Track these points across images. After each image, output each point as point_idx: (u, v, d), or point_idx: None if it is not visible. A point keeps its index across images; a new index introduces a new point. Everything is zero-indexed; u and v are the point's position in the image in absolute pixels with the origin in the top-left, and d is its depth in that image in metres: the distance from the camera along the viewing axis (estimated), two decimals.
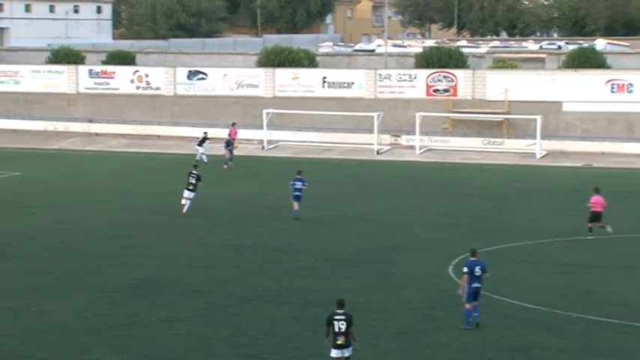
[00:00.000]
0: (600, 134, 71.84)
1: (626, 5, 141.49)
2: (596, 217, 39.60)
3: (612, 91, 72.47)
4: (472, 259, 27.28)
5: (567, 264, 35.20)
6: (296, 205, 43.25)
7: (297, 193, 43.31)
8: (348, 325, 22.17)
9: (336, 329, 22.16)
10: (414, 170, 61.65)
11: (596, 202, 39.78)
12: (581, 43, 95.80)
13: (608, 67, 77.48)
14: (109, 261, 35.48)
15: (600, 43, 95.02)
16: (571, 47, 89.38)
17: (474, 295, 26.91)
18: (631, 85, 72.28)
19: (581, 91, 73.01)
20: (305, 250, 37.41)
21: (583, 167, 62.51)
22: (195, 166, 46.31)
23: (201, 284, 31.97)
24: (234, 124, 65.92)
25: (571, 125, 73.26)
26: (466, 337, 26.20)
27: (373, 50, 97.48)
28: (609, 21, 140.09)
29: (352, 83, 76.37)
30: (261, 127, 70.72)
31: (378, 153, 68.40)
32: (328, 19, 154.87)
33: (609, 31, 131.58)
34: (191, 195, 44.38)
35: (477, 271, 26.94)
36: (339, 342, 22.16)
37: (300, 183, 43.38)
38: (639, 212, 45.85)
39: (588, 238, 39.52)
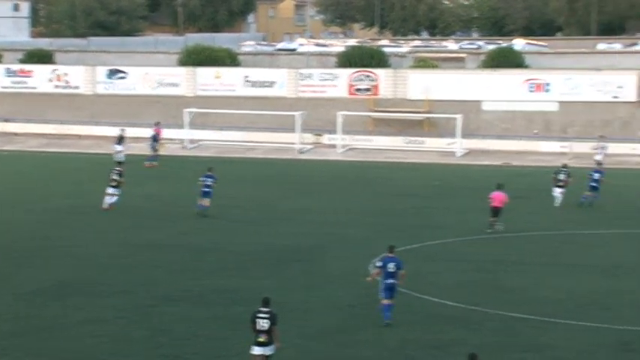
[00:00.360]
0: (519, 133, 72.87)
1: (544, 6, 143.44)
2: (495, 212, 40.37)
3: (530, 91, 73.58)
4: (389, 255, 27.57)
5: (485, 261, 35.71)
6: (205, 201, 43.61)
7: (206, 189, 43.73)
8: (272, 324, 22.35)
9: (259, 327, 22.35)
10: (336, 169, 61.95)
11: (495, 197, 40.50)
12: (500, 43, 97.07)
13: (527, 67, 78.74)
14: (29, 262, 35.11)
15: (519, 43, 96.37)
16: (490, 47, 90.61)
17: (388, 291, 27.13)
18: (548, 84, 73.48)
19: (500, 90, 74.03)
20: (228, 249, 37.41)
21: (502, 165, 63.35)
22: (119, 163, 46.00)
23: (123, 284, 31.82)
24: (157, 123, 65.58)
25: (490, 124, 74.18)
26: (387, 335, 26.48)
27: (295, 49, 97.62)
28: (527, 21, 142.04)
29: (274, 82, 76.46)
30: (182, 127, 70.46)
31: (300, 152, 68.59)
32: (250, 18, 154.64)
33: (527, 31, 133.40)
34: (115, 191, 44.33)
35: (391, 267, 27.17)
36: (260, 340, 22.35)
37: (211, 179, 43.74)
38: (548, 209, 46.49)
39: (487, 231, 40.26)
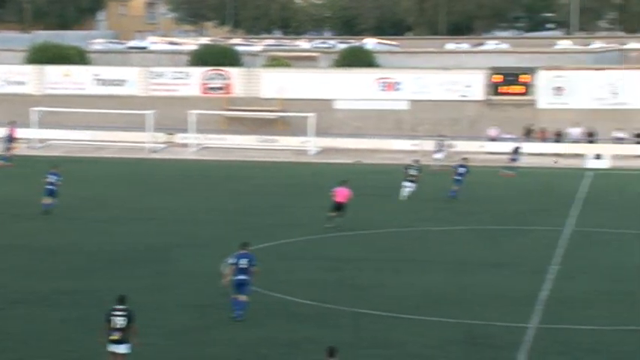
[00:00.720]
0: (371, 131, 73.72)
1: (394, 6, 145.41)
2: (337, 207, 40.92)
3: (381, 90, 74.59)
4: (242, 251, 27.58)
5: (338, 259, 35.94)
6: (48, 200, 43.03)
7: (50, 187, 43.33)
8: (129, 321, 22.20)
9: (114, 325, 22.16)
10: (189, 168, 61.59)
11: (339, 192, 41.11)
12: (351, 42, 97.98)
13: (378, 66, 79.69)
14: None
15: (370, 43, 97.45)
16: (342, 46, 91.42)
17: (238, 287, 27.16)
18: (399, 83, 74.59)
19: (352, 89, 74.81)
20: (77, 250, 36.72)
21: (354, 163, 63.97)
22: None
23: None
24: (12, 122, 63.86)
25: (343, 123, 74.92)
26: (240, 334, 26.38)
27: (147, 47, 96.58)
28: (378, 21, 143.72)
29: (125, 81, 75.67)
30: (30, 126, 68.88)
31: (152, 151, 67.90)
32: (100, 15, 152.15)
33: (379, 31, 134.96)
34: None
35: (243, 263, 27.17)
36: (114, 337, 22.15)
37: (55, 177, 43.24)
38: (403, 206, 47.23)
39: (326, 225, 40.71)
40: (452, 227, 42.35)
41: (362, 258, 36.28)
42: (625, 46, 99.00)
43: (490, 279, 32.91)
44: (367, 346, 25.59)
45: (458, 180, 49.15)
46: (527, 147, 68.22)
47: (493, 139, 71.17)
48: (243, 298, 27.26)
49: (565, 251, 37.19)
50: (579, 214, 45.64)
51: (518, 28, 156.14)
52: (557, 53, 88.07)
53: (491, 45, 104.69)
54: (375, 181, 54.68)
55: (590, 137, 70.03)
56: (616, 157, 65.81)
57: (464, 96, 74.28)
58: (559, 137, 70.82)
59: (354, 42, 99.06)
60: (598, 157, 64.88)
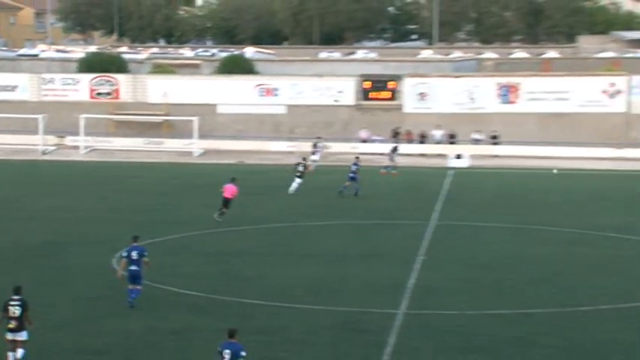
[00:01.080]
0: (251, 134, 73.90)
1: (272, 17, 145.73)
2: (225, 202, 41.56)
3: (261, 95, 74.80)
4: (133, 244, 27.91)
5: (223, 252, 35.91)
6: None
7: None
8: (23, 310, 22.37)
9: (10, 314, 22.34)
10: (79, 169, 60.72)
11: (227, 189, 41.71)
12: (232, 51, 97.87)
13: (257, 73, 79.90)
14: None
15: (249, 51, 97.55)
16: (223, 54, 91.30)
17: (131, 277, 27.49)
18: (277, 89, 74.90)
19: (234, 94, 74.85)
20: None
21: (237, 164, 63.93)
22: None
23: None
24: None
25: (225, 126, 74.87)
26: (129, 325, 26.16)
27: (37, 55, 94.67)
28: (257, 31, 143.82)
29: (16, 87, 74.22)
30: None
31: (44, 153, 66.75)
32: None
33: (257, 40, 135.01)
34: None
35: (135, 255, 27.51)
36: (11, 326, 22.32)
37: None
38: (281, 203, 47.48)
39: (215, 216, 41.37)
40: (329, 222, 42.71)
41: (246, 251, 36.33)
42: (481, 56, 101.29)
43: (363, 269, 33.30)
44: (251, 333, 25.62)
45: (352, 177, 49.78)
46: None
47: (364, 141, 72.04)
48: (132, 287, 27.51)
49: (430, 243, 37.86)
50: (442, 209, 46.52)
51: (385, 39, 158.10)
52: (421, 62, 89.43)
53: (361, 54, 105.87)
54: (256, 180, 54.77)
55: (452, 139, 71.41)
56: (474, 156, 67.24)
57: (337, 101, 74.93)
58: (423, 139, 72.05)
59: (235, 51, 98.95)
60: (458, 156, 66.17)
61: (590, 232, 40.63)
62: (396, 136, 72.13)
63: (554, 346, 24.70)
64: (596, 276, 32.45)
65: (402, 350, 24.27)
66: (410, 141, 72.04)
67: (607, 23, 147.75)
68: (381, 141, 71.04)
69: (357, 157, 52.54)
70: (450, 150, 68.48)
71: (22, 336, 22.36)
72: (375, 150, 67.68)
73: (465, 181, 57.17)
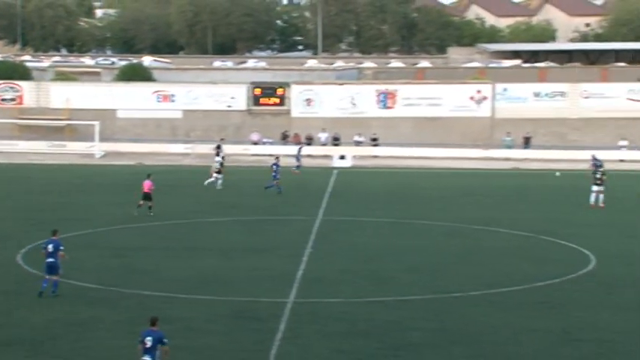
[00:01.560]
0: (150, 137, 73.04)
1: (168, 28, 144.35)
2: (145, 196, 42.19)
3: (158, 101, 74.00)
4: (51, 238, 27.84)
5: (122, 248, 35.32)
6: None
7: None
8: None
9: None
10: None
11: (145, 184, 42.61)
12: (131, 60, 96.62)
13: (155, 81, 79.05)
14: None
15: (147, 60, 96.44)
16: (123, 63, 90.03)
17: (48, 268, 27.37)
18: (173, 95, 74.23)
19: (133, 100, 73.94)
20: None
21: (136, 165, 63.05)
22: None
23: None
24: None
25: (125, 129, 73.93)
26: (34, 316, 25.48)
27: None
28: (154, 41, 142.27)
29: None
30: None
31: None
32: None
33: (155, 50, 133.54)
34: None
35: (50, 248, 27.47)
36: None
37: None
38: (179, 201, 46.96)
39: (135, 214, 41.29)
40: (223, 219, 42.40)
41: (145, 246, 35.80)
42: (361, 65, 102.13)
43: (255, 262, 33.13)
44: (142, 323, 25.10)
45: (274, 176, 49.84)
46: (284, 150, 69.36)
47: (255, 143, 71.88)
48: (49, 277, 27.33)
49: (316, 237, 37.91)
50: (327, 205, 46.66)
51: (273, 49, 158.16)
52: (307, 71, 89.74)
53: (251, 63, 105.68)
54: (154, 180, 53.90)
55: (336, 141, 71.76)
56: (356, 157, 67.70)
57: (229, 106, 74.56)
58: (310, 141, 72.19)
59: (133, 60, 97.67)
60: (342, 157, 66.49)
61: (460, 225, 41.25)
62: (284, 138, 72.21)
63: (429, 329, 24.97)
64: (467, 265, 32.95)
65: (291, 336, 24.21)
66: (298, 143, 72.11)
67: (473, 36, 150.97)
68: (271, 143, 71.03)
69: (277, 158, 52.39)
70: (334, 151, 68.79)
71: None
72: (265, 151, 67.74)
73: (348, 180, 57.49)
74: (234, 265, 32.57)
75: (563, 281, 30.30)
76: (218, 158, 60.69)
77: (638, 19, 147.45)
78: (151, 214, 41.60)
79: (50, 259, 27.40)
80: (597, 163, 50.03)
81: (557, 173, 59.93)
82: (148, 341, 19.32)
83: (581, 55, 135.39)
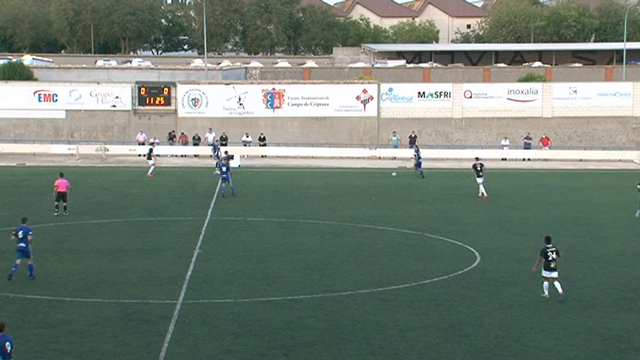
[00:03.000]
0: (32, 137, 71.41)
1: (48, 27, 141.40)
2: (61, 196, 41.82)
3: (39, 101, 72.36)
4: (22, 225, 30.23)
5: (4, 251, 34.23)
6: None
7: None
8: None
9: None
10: None
11: (60, 184, 41.76)
12: (10, 59, 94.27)
13: (36, 80, 77.31)
14: None
15: (27, 59, 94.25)
16: (2, 62, 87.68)
17: (20, 252, 29.78)
18: (56, 94, 72.68)
19: (13, 100, 72.17)
20: None
21: (17, 166, 61.52)
22: None
23: None
24: None
25: (4, 130, 72.10)
26: None
27: None
28: (34, 39, 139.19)
29: None
30: None
31: None
32: None
33: (35, 49, 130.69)
34: None
35: (20, 234, 29.82)
36: None
37: None
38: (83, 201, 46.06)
39: (55, 214, 41.19)
40: (109, 220, 41.71)
41: (46, 249, 34.75)
42: (248, 65, 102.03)
43: (142, 263, 32.70)
44: (34, 327, 24.69)
45: (225, 178, 49.31)
46: (171, 149, 68.80)
47: (141, 144, 70.94)
48: (28, 261, 29.81)
49: (205, 237, 37.68)
50: (216, 205, 46.42)
51: (158, 49, 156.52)
52: (193, 70, 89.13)
53: (136, 62, 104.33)
54: (37, 181, 52.78)
55: (223, 141, 71.43)
56: (244, 157, 67.59)
57: (114, 106, 73.42)
58: (197, 141, 71.71)
59: (13, 58, 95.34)
60: (230, 157, 66.17)
61: (349, 224, 41.61)
62: (172, 139, 71.56)
63: (319, 328, 25.09)
64: (356, 264, 33.24)
65: (181, 337, 23.99)
66: (185, 143, 71.58)
67: (358, 37, 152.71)
68: (158, 143, 70.24)
69: (227, 158, 51.73)
70: (222, 151, 68.43)
71: None
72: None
73: (236, 180, 57.29)
74: (120, 267, 32.06)
75: (450, 278, 30.88)
76: (152, 161, 59.20)
77: (517, 21, 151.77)
78: (58, 213, 41.19)
79: (21, 244, 29.64)
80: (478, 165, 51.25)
81: (394, 174, 60.49)
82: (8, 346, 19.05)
83: (463, 55, 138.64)
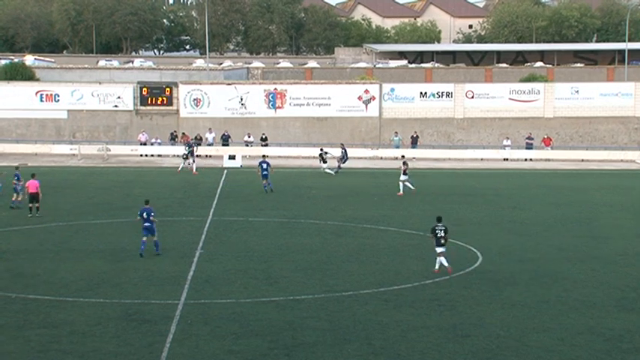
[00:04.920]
0: (33, 137, 71.43)
1: (50, 27, 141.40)
2: (33, 197, 41.55)
3: (41, 101, 72.34)
4: (144, 206, 33.82)
5: (5, 251, 34.42)
6: None
7: None
8: None
9: None
10: None
11: (30, 185, 41.60)
12: (12, 59, 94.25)
13: (37, 80, 77.31)
14: None
15: (29, 59, 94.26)
16: (3, 62, 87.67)
17: (145, 230, 33.61)
18: (58, 95, 72.68)
19: (15, 100, 72.15)
20: None
21: (19, 166, 61.42)
22: None
23: None
24: None
25: (6, 130, 72.06)
26: None
27: None
28: (36, 40, 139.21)
29: None
30: None
31: None
32: None
33: (37, 49, 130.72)
34: None
35: (145, 214, 33.41)
36: None
37: None
38: (64, 202, 46.02)
39: (29, 216, 40.95)
40: (111, 220, 41.70)
41: (29, 250, 34.92)
42: (250, 65, 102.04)
43: (144, 263, 32.69)
44: (36, 327, 24.72)
45: (265, 175, 50.79)
46: (173, 150, 68.81)
47: (143, 144, 70.98)
48: (153, 238, 33.51)
49: (207, 238, 37.70)
50: (217, 206, 46.43)
51: (160, 49, 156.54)
52: (195, 70, 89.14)
53: (138, 62, 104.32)
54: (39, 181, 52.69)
55: (225, 141, 71.44)
56: (246, 157, 67.60)
57: (116, 106, 73.43)
58: (199, 141, 71.68)
59: (15, 59, 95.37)
60: (232, 157, 66.28)
61: (350, 224, 41.61)
62: (174, 139, 71.56)
63: (321, 328, 25.10)
64: (357, 264, 33.24)
65: (183, 337, 24.02)
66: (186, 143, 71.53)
67: (360, 37, 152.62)
68: (159, 143, 70.29)
69: (264, 156, 53.11)
70: (224, 151, 68.54)
71: None
72: (154, 152, 67.07)
73: (238, 180, 57.36)
74: (123, 267, 32.07)
75: (452, 278, 30.88)
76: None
77: (519, 21, 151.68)
78: (38, 215, 41.17)
79: (146, 224, 33.32)
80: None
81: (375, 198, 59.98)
82: None
83: (465, 56, 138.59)
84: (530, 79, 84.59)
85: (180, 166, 59.71)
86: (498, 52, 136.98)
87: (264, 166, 51.11)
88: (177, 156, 64.88)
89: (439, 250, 31.45)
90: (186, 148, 60.93)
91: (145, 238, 33.50)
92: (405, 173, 51.50)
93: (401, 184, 51.43)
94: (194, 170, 58.81)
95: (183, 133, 72.05)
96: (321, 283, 30.18)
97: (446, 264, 31.24)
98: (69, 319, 25.54)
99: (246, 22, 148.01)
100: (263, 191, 51.38)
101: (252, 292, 28.91)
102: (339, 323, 25.56)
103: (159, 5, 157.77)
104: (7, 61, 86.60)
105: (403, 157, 55.10)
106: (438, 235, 31.42)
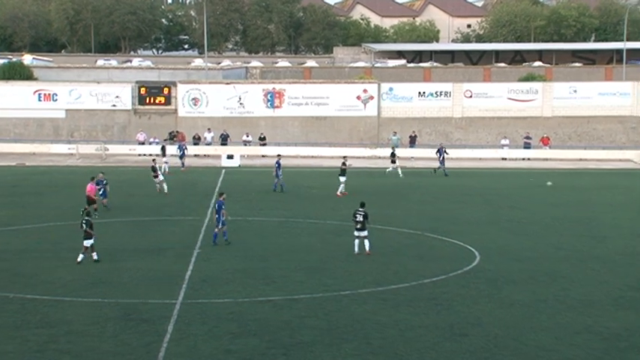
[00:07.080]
0: (31, 137, 71.43)
1: (48, 26, 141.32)
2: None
3: (39, 100, 72.37)
4: (219, 199, 36.01)
5: (4, 251, 34.42)
6: None
7: None
8: None
9: None
10: None
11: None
12: (10, 58, 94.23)
13: (36, 79, 77.34)
14: None
15: (27, 58, 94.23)
16: (2, 61, 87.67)
17: (217, 222, 35.73)
18: (56, 94, 72.70)
19: (13, 100, 72.16)
20: None
21: (17, 166, 61.56)
22: None
23: None
24: None
25: (4, 130, 72.05)
26: None
27: None
28: (34, 39, 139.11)
29: None
30: None
31: None
32: None
33: (35, 48, 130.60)
34: None
35: (216, 207, 35.80)
36: None
37: None
38: (61, 202, 45.98)
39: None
40: (109, 220, 41.66)
41: (27, 249, 34.91)
42: (248, 65, 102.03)
43: (143, 263, 32.70)
44: (33, 327, 24.69)
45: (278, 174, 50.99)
46: (171, 149, 68.68)
47: (142, 143, 70.98)
48: (224, 228, 35.71)
49: (205, 237, 37.66)
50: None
51: (158, 48, 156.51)
52: (193, 70, 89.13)
53: (136, 62, 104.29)
54: (36, 180, 52.75)
55: (223, 141, 71.47)
56: (244, 157, 67.61)
57: (114, 106, 73.43)
58: (197, 140, 71.73)
59: (13, 58, 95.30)
60: (230, 157, 66.31)
61: (349, 223, 41.51)
62: (172, 138, 71.54)
63: (319, 327, 25.08)
64: (355, 263, 33.23)
65: (180, 337, 23.99)
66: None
67: (359, 36, 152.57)
68: (157, 143, 70.33)
69: (279, 156, 53.10)
70: (222, 151, 68.56)
71: None
72: (152, 151, 66.98)
73: (236, 179, 57.37)
74: (120, 267, 32.06)
75: (449, 278, 30.88)
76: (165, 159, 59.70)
77: (517, 21, 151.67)
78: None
79: (217, 215, 35.52)
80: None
81: (549, 183, 57.19)
82: None
83: (464, 55, 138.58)
84: (529, 78, 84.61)
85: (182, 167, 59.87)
86: (497, 52, 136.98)
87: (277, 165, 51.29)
88: (176, 155, 64.80)
89: (360, 234, 33.94)
90: (178, 149, 60.88)
91: (216, 229, 35.85)
92: (344, 175, 50.77)
93: (342, 185, 50.66)
94: (166, 170, 57.73)
95: (177, 131, 71.98)
96: (319, 283, 30.17)
97: (367, 247, 33.71)
98: (66, 319, 25.52)
99: (244, 22, 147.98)
100: (261, 191, 51.36)
101: (250, 291, 28.90)
102: (337, 322, 25.55)
103: (157, 5, 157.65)
104: (5, 61, 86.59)
105: (345, 157, 54.58)
106: (357, 220, 33.98)
